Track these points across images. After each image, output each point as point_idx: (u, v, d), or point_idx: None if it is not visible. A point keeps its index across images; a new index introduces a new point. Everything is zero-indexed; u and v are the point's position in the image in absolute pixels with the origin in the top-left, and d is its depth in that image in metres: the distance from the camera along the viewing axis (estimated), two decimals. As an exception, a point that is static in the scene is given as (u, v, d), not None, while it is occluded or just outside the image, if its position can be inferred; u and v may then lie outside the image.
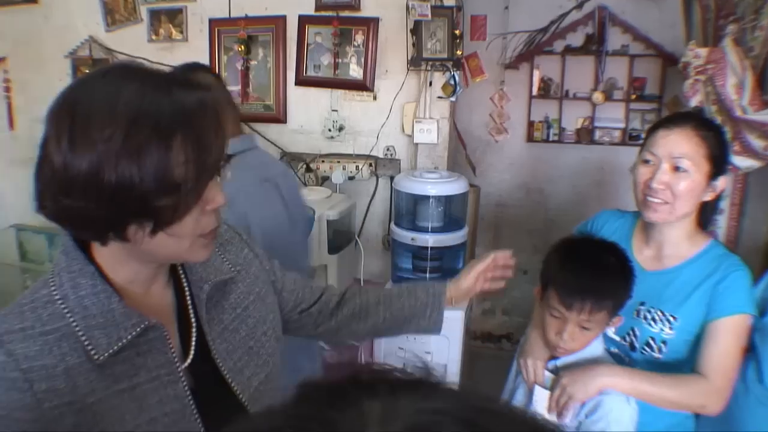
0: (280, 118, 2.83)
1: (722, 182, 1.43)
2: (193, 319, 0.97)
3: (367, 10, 2.62)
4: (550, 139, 3.95)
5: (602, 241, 1.46)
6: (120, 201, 0.75)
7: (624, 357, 1.50)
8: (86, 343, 0.81)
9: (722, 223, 2.74)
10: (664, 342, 1.44)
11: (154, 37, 2.96)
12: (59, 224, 0.81)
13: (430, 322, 1.31)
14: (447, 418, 0.33)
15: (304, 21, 2.70)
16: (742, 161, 2.49)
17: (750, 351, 1.60)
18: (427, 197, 2.23)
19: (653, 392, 1.35)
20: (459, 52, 2.51)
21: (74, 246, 0.85)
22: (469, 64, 3.56)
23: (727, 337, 1.37)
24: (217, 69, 2.87)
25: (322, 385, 0.38)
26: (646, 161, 1.43)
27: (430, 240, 2.24)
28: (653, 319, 1.46)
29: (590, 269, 1.34)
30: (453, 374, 2.26)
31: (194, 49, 2.90)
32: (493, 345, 4.12)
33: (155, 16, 2.94)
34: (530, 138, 4.00)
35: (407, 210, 2.34)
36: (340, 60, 2.65)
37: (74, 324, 0.81)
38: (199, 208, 0.82)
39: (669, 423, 1.50)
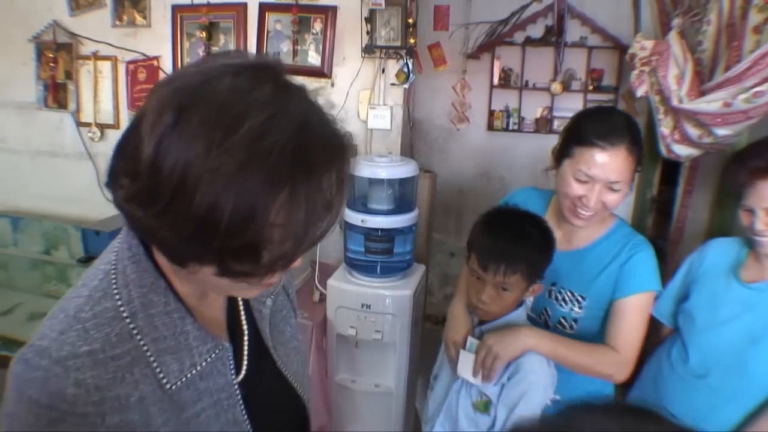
0: (240, 104, 2.86)
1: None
2: (245, 329, 0.90)
3: (325, -1, 2.67)
4: (510, 128, 4.00)
5: (524, 211, 1.52)
6: (198, 234, 0.63)
7: None
8: (158, 370, 0.73)
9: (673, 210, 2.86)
10: (575, 320, 1.52)
11: (117, 23, 2.99)
12: (122, 212, 0.69)
13: None
14: None
15: (264, 8, 2.75)
16: (682, 150, 2.58)
17: (675, 332, 1.70)
18: (378, 180, 2.30)
19: (569, 356, 1.43)
20: (412, 41, 2.57)
21: (145, 253, 0.75)
22: (432, 54, 3.65)
23: (633, 314, 1.46)
24: (179, 55, 2.91)
25: None
26: (581, 180, 1.42)
27: (380, 222, 2.29)
28: (564, 300, 1.54)
29: (506, 235, 1.42)
30: (403, 353, 2.32)
31: (157, 35, 2.94)
32: (453, 328, 4.20)
33: (119, 1, 2.96)
34: (491, 127, 4.06)
35: (360, 193, 2.41)
36: (299, 47, 2.71)
37: (144, 347, 0.73)
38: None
39: (588, 391, 1.58)
